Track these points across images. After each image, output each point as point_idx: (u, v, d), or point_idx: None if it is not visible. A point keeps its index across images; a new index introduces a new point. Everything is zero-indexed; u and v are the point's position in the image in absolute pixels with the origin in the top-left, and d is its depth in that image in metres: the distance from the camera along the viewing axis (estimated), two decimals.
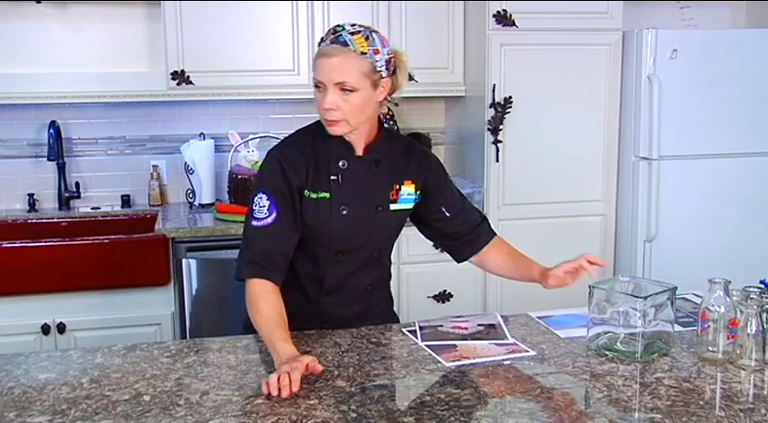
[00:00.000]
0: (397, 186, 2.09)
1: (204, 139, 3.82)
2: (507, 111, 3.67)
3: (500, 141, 3.68)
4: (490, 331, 2.05)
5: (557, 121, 3.74)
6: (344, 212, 2.02)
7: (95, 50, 3.79)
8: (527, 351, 1.91)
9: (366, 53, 1.90)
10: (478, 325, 2.10)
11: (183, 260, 3.32)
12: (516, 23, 3.61)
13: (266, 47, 3.64)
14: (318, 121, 2.04)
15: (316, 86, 1.93)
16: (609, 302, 1.91)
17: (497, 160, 3.70)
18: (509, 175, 3.73)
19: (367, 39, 1.91)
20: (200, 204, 3.80)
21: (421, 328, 2.06)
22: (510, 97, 3.66)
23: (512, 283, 3.69)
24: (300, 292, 2.10)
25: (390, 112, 3.88)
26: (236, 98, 3.73)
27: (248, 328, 2.03)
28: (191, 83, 3.58)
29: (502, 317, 2.17)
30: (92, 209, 3.84)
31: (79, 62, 3.76)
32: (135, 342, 2.01)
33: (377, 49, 1.91)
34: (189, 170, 3.79)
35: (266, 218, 1.95)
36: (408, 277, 3.65)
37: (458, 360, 1.84)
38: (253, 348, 1.93)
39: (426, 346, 1.94)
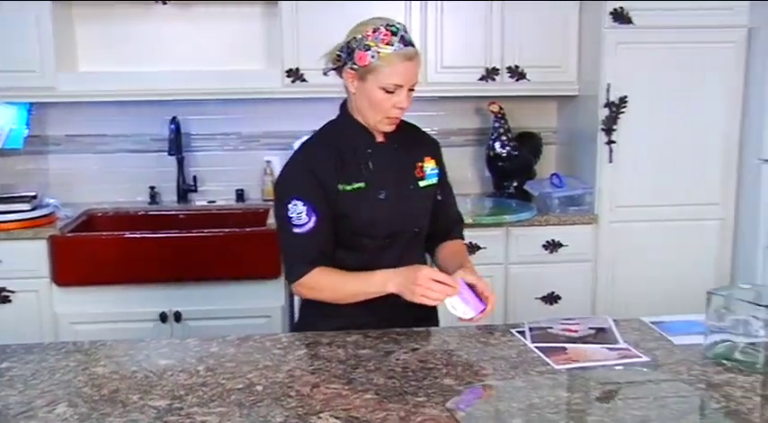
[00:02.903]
0: (420, 164, 2.15)
1: None
2: (622, 111, 3.59)
3: (614, 142, 3.60)
4: (601, 335, 2.01)
5: (674, 121, 3.63)
6: (382, 197, 2.06)
7: (214, 49, 3.92)
8: (639, 357, 1.86)
9: None
10: (589, 328, 2.06)
11: None
12: (633, 21, 3.53)
13: None
14: (329, 122, 2.15)
15: (384, 89, 1.97)
16: (728, 310, 1.84)
17: (610, 161, 3.62)
18: (622, 176, 3.65)
19: None
20: None
21: (530, 329, 2.04)
22: (625, 97, 3.58)
23: (623, 286, 3.68)
24: None
25: (501, 112, 3.85)
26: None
27: (296, 329, 2.19)
28: (305, 80, 3.65)
29: (613, 320, 2.12)
30: (208, 202, 3.97)
31: (199, 60, 3.89)
32: (246, 333, 2.05)
33: None
34: None
35: (307, 223, 2.00)
36: (516, 278, 3.62)
37: (567, 363, 1.82)
38: (362, 343, 1.95)
39: (535, 347, 1.92)
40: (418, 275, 1.90)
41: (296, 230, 2.01)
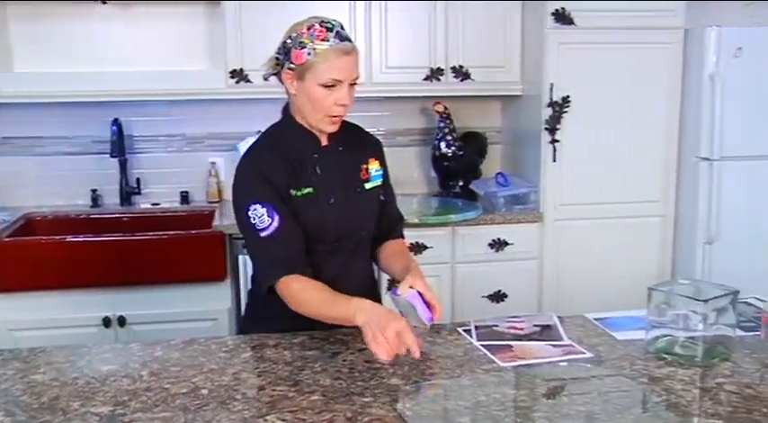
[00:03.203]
0: (365, 166, 2.15)
1: None
2: (565, 110, 3.64)
3: (557, 141, 3.65)
4: (546, 332, 2.04)
5: (615, 120, 3.69)
6: (332, 201, 2.05)
7: (157, 49, 3.86)
8: (583, 353, 1.89)
9: None
10: (534, 325, 2.08)
11: (240, 256, 3.36)
12: (575, 22, 3.58)
13: None
14: (273, 126, 2.11)
15: (324, 85, 1.94)
16: (668, 305, 1.87)
17: (554, 160, 3.67)
18: (566, 175, 3.70)
19: None
20: None
21: (476, 327, 2.06)
22: (568, 96, 3.62)
23: (567, 283, 3.73)
24: None
25: (447, 111, 3.87)
26: None
27: (241, 332, 2.17)
28: (249, 81, 3.62)
29: (557, 317, 2.15)
30: (152, 205, 3.92)
31: (141, 61, 3.83)
32: (192, 337, 2.03)
33: None
34: None
35: (271, 224, 1.96)
36: (463, 277, 3.64)
37: (513, 360, 1.83)
38: (308, 345, 1.95)
39: (481, 345, 1.93)
40: (389, 327, 1.77)
41: (263, 234, 1.97)
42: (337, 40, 1.93)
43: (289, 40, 1.97)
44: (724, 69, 3.58)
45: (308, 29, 1.94)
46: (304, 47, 1.93)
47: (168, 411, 1.57)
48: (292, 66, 1.96)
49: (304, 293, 1.96)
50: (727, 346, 1.86)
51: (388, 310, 1.88)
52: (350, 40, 1.97)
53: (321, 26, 1.94)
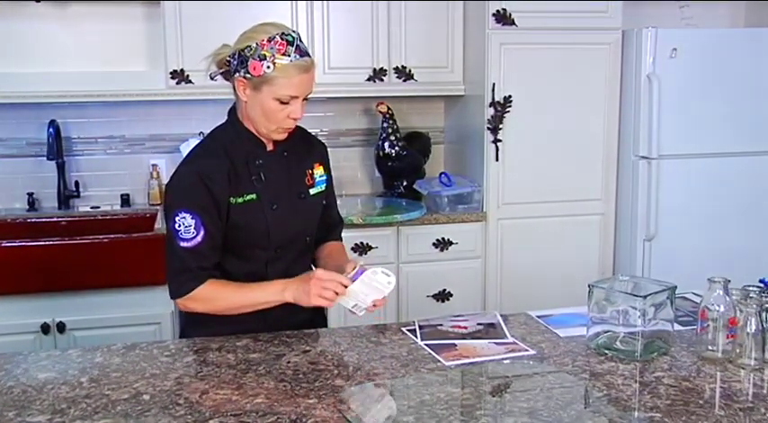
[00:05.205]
0: (310, 171, 2.15)
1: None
2: (507, 110, 3.67)
3: (500, 140, 3.68)
4: (490, 330, 2.05)
5: (556, 120, 3.74)
6: (275, 208, 2.04)
7: (95, 50, 3.79)
8: (526, 350, 1.91)
9: None
10: (478, 324, 2.10)
11: None
12: (516, 22, 3.61)
13: None
14: (219, 128, 2.08)
15: (280, 100, 1.93)
16: (608, 301, 1.91)
17: (497, 159, 3.70)
18: (508, 174, 3.73)
19: None
20: None
21: (420, 327, 2.07)
22: (509, 96, 3.66)
23: (511, 282, 3.76)
24: None
25: (390, 111, 3.88)
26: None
27: (183, 335, 2.17)
28: (190, 82, 3.58)
29: (501, 316, 2.17)
30: (91, 208, 3.84)
31: (79, 61, 3.76)
32: (134, 341, 2.01)
33: None
34: None
35: (195, 237, 1.95)
36: (408, 276, 3.64)
37: (457, 359, 1.84)
38: (252, 347, 1.93)
39: (426, 345, 1.94)
40: (311, 282, 1.91)
41: (182, 244, 1.95)
42: (297, 55, 1.91)
43: (247, 49, 1.92)
44: (660, 70, 3.65)
45: (269, 41, 1.90)
46: (264, 59, 1.89)
47: (109, 418, 1.55)
48: (248, 75, 1.92)
49: (223, 290, 1.99)
50: (665, 341, 1.90)
51: (301, 275, 2.01)
52: (308, 54, 1.95)
53: (282, 39, 1.91)
